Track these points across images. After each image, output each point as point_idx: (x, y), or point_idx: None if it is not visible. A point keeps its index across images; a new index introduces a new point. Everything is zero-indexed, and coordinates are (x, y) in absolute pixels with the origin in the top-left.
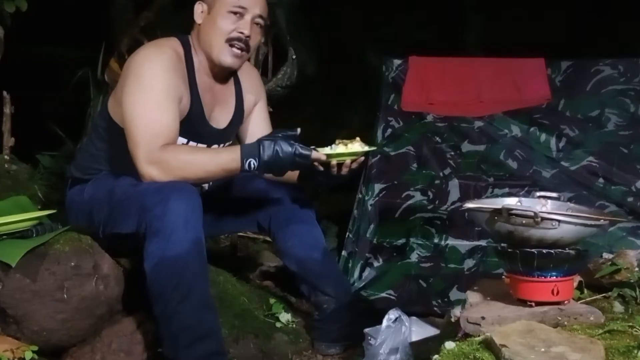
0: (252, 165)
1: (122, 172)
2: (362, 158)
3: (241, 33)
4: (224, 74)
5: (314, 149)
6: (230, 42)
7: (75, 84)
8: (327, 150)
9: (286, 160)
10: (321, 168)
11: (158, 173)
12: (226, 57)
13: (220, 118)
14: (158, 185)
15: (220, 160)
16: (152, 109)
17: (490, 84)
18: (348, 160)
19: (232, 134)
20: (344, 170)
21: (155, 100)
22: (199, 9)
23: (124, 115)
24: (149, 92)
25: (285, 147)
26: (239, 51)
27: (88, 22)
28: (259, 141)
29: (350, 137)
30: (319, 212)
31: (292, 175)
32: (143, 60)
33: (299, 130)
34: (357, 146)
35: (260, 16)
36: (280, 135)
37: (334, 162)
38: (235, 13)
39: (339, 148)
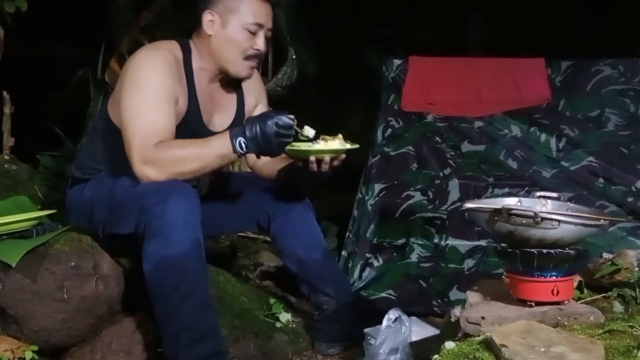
0: (243, 145)
1: (121, 172)
2: (343, 156)
3: (257, 50)
4: (229, 81)
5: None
6: (247, 58)
7: (75, 84)
8: (305, 146)
9: (269, 131)
10: (300, 163)
11: (153, 172)
12: (244, 71)
13: (221, 121)
14: (157, 186)
15: (212, 147)
16: (147, 110)
17: (490, 84)
18: (327, 157)
19: None
20: (324, 168)
21: (150, 102)
22: (208, 18)
23: (121, 117)
24: (144, 94)
25: (267, 119)
26: (255, 64)
27: (88, 22)
28: (246, 120)
29: (352, 137)
30: (319, 212)
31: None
32: (139, 62)
33: (294, 119)
34: (336, 143)
35: (270, 29)
36: (267, 113)
37: (312, 158)
38: (251, 31)
39: (319, 144)
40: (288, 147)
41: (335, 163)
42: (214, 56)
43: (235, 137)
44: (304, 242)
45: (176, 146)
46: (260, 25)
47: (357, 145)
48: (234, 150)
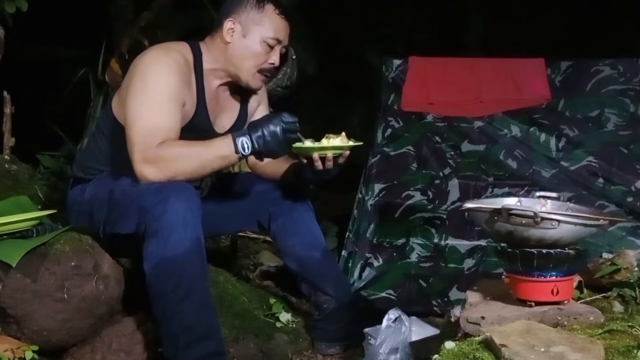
0: (245, 145)
1: (123, 172)
2: (347, 152)
3: (272, 64)
4: (235, 84)
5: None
6: (261, 71)
7: (75, 83)
8: (308, 143)
9: (276, 129)
10: (304, 161)
11: (153, 171)
12: (256, 83)
13: (225, 123)
14: (157, 186)
15: (213, 147)
16: (153, 110)
17: (490, 84)
18: (329, 154)
19: None
20: (328, 165)
21: (157, 103)
22: (229, 26)
23: (126, 116)
24: (151, 94)
25: (272, 118)
26: (266, 78)
27: (88, 22)
28: (249, 124)
29: (353, 137)
30: (319, 212)
31: (282, 168)
32: (149, 62)
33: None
34: (339, 141)
35: (285, 46)
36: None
37: (316, 155)
38: (270, 45)
39: (322, 142)
40: (292, 145)
41: (340, 160)
42: (228, 63)
43: (238, 138)
44: (304, 241)
45: (178, 145)
46: (279, 41)
47: (360, 142)
48: (236, 151)
